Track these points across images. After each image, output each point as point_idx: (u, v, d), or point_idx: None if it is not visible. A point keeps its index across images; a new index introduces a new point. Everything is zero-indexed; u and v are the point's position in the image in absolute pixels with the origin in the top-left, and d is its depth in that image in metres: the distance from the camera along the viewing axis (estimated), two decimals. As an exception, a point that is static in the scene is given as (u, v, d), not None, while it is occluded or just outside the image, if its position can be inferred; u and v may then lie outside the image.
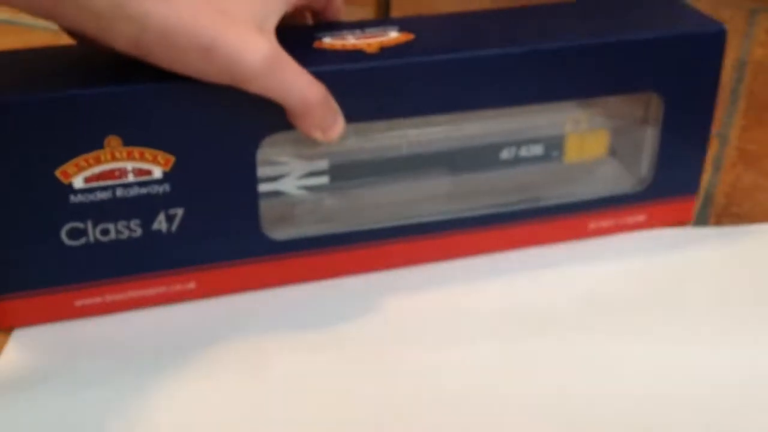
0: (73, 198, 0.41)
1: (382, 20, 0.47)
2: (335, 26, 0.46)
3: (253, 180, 0.43)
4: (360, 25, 0.46)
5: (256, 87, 0.40)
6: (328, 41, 0.44)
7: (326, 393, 0.41)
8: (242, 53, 0.39)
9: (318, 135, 0.42)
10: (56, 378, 0.42)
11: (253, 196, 0.44)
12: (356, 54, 0.43)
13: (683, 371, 0.42)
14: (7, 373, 0.42)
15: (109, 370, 0.42)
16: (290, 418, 0.40)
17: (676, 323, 0.45)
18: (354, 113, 0.43)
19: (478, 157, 0.48)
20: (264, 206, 0.45)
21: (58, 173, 0.40)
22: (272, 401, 0.41)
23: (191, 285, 0.45)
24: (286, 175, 0.46)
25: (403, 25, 0.46)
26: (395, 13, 0.68)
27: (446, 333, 0.44)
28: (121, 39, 0.38)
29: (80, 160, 0.40)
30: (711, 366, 0.42)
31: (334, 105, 0.42)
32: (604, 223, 0.50)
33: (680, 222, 0.52)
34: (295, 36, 0.45)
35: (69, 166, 0.40)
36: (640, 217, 0.51)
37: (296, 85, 0.40)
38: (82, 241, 0.42)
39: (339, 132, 0.42)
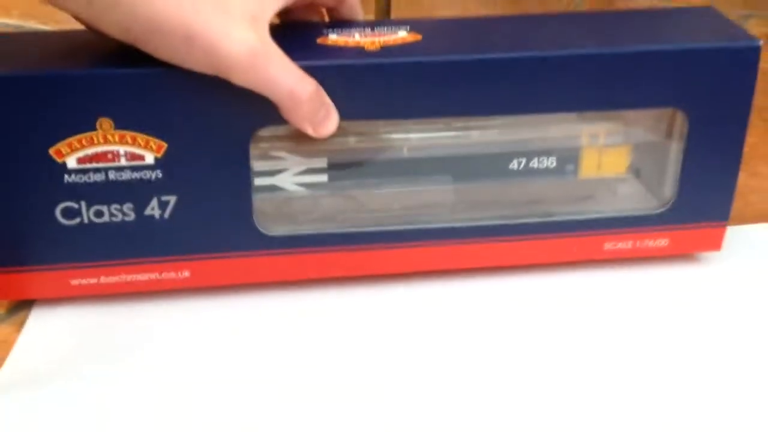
0: (67, 178, 0.42)
1: (395, 21, 0.46)
2: (346, 24, 0.45)
3: (246, 173, 0.43)
4: (371, 25, 0.45)
5: (239, 79, 0.40)
6: (333, 38, 0.44)
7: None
8: (223, 44, 0.39)
9: (309, 130, 0.42)
10: (67, 372, 0.43)
11: (247, 190, 0.44)
12: (355, 51, 0.43)
13: (679, 373, 0.42)
14: (15, 372, 0.43)
15: (114, 370, 0.43)
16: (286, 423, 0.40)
17: (670, 322, 0.45)
18: (346, 111, 0.42)
19: (484, 166, 0.47)
20: (261, 201, 0.45)
21: (52, 152, 0.42)
22: (268, 406, 0.41)
23: (185, 273, 0.46)
24: (283, 170, 0.45)
25: (414, 26, 0.45)
26: (395, 12, 0.68)
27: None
28: (113, 26, 0.39)
29: (73, 140, 0.41)
30: (707, 367, 0.42)
31: (326, 101, 0.42)
32: (622, 244, 0.48)
33: (707, 250, 0.49)
34: (302, 31, 0.45)
35: (62, 146, 0.42)
36: (662, 242, 0.48)
37: (283, 80, 0.40)
38: (77, 221, 0.43)
39: (331, 129, 0.42)
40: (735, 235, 0.50)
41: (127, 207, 0.43)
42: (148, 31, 0.39)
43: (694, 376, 0.42)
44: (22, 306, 0.47)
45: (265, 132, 0.43)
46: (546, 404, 0.40)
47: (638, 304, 0.47)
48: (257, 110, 0.42)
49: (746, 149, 0.46)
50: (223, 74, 0.40)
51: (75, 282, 0.45)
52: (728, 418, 0.40)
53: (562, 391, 0.41)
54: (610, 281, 0.48)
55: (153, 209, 0.44)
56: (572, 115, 0.46)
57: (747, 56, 0.44)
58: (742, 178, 0.47)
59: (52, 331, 0.45)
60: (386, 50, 0.43)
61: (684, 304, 0.47)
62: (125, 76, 0.41)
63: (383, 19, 0.68)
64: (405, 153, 0.46)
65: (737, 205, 0.48)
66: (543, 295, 0.47)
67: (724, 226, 0.48)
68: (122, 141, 0.42)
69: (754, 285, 0.48)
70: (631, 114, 0.47)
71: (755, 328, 0.45)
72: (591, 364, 0.43)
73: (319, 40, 0.43)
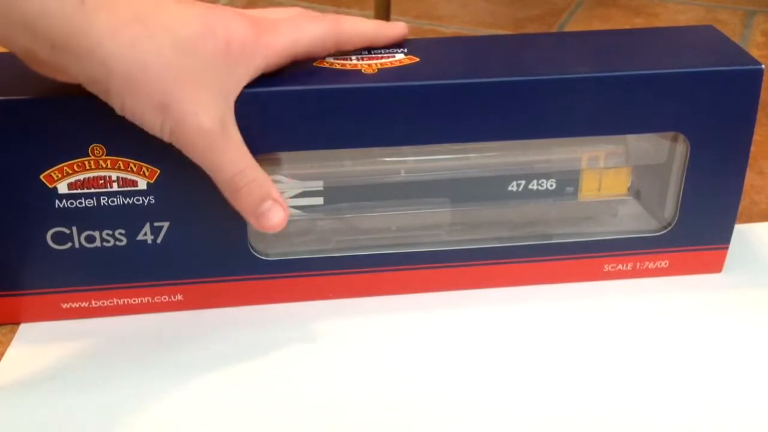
0: (57, 203, 0.41)
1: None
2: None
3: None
4: (369, 48, 0.44)
5: (190, 154, 0.38)
6: (330, 60, 0.43)
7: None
8: (192, 121, 0.37)
9: (251, 220, 0.40)
10: (58, 379, 0.42)
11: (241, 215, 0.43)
12: (350, 74, 0.42)
13: (681, 376, 0.42)
14: (9, 373, 0.43)
15: (110, 371, 0.42)
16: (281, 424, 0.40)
17: (674, 322, 0.45)
18: (343, 135, 0.42)
19: (482, 188, 0.46)
20: (256, 224, 0.44)
21: (42, 177, 0.41)
22: (264, 409, 0.40)
23: (179, 297, 0.45)
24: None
25: (411, 48, 0.44)
26: (395, 13, 0.66)
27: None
28: (80, 76, 0.37)
29: (65, 166, 0.41)
30: (707, 370, 0.42)
31: (273, 194, 0.39)
32: (622, 266, 0.47)
33: (707, 272, 0.48)
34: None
35: (54, 171, 0.41)
36: (662, 263, 0.47)
37: (228, 166, 0.39)
38: (68, 245, 0.43)
39: (275, 223, 0.39)
40: (741, 233, 0.50)
41: (119, 232, 0.43)
42: (123, 89, 0.36)
43: (695, 376, 0.42)
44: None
45: (260, 155, 0.43)
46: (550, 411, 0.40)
47: (642, 302, 0.46)
48: (252, 136, 0.41)
49: (755, 149, 0.45)
50: (178, 145, 0.38)
51: (66, 306, 0.44)
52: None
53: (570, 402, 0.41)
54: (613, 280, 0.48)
55: (145, 234, 0.43)
56: (570, 140, 0.45)
57: (750, 79, 0.43)
58: (749, 177, 0.46)
59: (45, 336, 0.44)
60: (383, 73, 0.42)
61: (689, 303, 0.46)
62: None
63: (383, 13, 0.67)
64: (402, 175, 0.45)
65: (743, 204, 0.47)
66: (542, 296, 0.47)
67: (725, 250, 0.47)
68: (114, 167, 0.41)
69: (759, 284, 0.48)
70: (631, 137, 0.46)
71: (761, 327, 0.45)
72: (602, 366, 0.43)
73: (317, 63, 0.43)
